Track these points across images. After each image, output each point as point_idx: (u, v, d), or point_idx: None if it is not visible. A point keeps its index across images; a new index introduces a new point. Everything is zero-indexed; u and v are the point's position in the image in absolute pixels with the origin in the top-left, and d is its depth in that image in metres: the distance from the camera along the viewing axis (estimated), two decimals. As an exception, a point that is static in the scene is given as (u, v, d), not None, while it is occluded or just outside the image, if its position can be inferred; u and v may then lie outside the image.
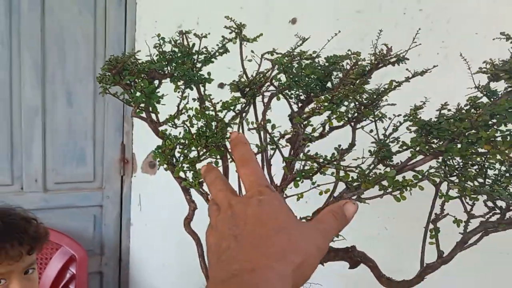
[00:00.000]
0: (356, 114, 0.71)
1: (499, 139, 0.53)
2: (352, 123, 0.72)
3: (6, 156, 1.76)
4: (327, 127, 0.71)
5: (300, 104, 0.74)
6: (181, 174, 0.74)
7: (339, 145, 0.63)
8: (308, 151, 0.67)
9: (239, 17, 1.69)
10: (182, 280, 1.93)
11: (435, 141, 0.60)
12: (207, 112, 0.68)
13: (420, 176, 0.58)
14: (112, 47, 1.84)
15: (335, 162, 0.61)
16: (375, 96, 0.69)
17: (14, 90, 1.74)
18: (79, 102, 1.83)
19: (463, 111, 0.58)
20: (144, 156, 1.91)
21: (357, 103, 0.70)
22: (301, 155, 0.59)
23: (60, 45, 1.77)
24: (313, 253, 0.38)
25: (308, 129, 0.66)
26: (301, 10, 1.72)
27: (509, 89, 0.57)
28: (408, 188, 0.57)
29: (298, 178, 0.63)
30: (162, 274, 1.97)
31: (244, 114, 0.74)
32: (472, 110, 0.58)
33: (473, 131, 0.53)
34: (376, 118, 0.70)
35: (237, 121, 0.73)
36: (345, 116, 0.63)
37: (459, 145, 0.56)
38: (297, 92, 0.73)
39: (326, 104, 0.61)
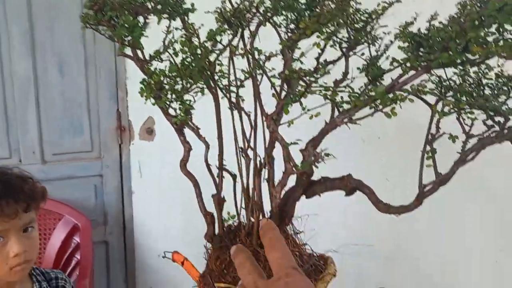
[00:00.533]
0: (347, 41, 0.68)
1: (490, 40, 0.51)
2: (344, 50, 0.69)
3: (2, 129, 1.75)
4: (321, 60, 0.69)
5: (289, 34, 0.71)
6: (171, 111, 0.73)
7: (325, 60, 0.61)
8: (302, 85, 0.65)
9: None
10: (187, 242, 1.93)
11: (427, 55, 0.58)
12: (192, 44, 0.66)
13: (410, 90, 0.56)
14: (101, 13, 1.80)
15: (324, 83, 0.58)
16: (366, 18, 0.67)
17: (5, 63, 1.71)
18: (71, 71, 1.81)
19: (454, 18, 0.56)
20: (141, 123, 1.90)
21: (348, 28, 0.67)
22: (286, 71, 0.57)
23: (47, 13, 1.74)
24: None
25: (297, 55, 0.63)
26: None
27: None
28: (399, 102, 0.55)
29: (287, 103, 0.61)
30: (167, 239, 1.98)
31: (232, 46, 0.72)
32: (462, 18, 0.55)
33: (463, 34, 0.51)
34: (370, 42, 0.68)
35: (227, 54, 0.71)
36: (333, 36, 0.60)
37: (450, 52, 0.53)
38: (286, 22, 0.70)
39: (312, 23, 0.58)
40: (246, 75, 0.65)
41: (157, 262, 2.04)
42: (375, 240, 1.71)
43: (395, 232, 1.69)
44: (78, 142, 1.87)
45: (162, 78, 0.67)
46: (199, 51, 0.64)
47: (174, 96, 0.67)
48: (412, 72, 0.58)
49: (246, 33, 0.70)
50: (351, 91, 0.59)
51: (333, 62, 0.71)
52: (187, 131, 0.87)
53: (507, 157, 1.58)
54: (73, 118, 1.84)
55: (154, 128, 1.89)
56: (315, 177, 0.75)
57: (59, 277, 1.09)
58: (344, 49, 0.70)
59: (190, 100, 0.69)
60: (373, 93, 0.57)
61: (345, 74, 0.70)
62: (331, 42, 0.66)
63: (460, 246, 1.68)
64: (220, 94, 0.74)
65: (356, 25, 0.67)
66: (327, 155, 0.61)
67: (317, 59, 0.62)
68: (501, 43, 0.52)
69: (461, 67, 0.65)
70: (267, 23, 0.69)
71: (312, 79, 0.58)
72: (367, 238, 1.69)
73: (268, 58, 0.59)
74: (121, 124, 1.90)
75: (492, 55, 0.49)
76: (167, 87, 0.67)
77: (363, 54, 0.66)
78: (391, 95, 0.57)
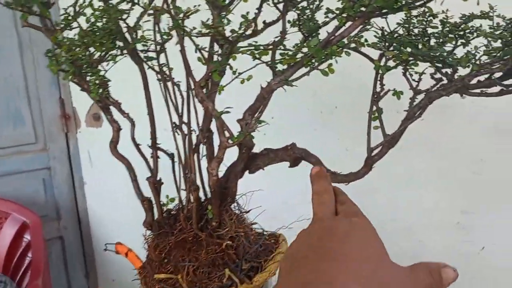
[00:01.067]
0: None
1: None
2: (281, 5, 0.62)
3: None
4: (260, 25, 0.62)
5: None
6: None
7: (247, 12, 0.53)
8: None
9: None
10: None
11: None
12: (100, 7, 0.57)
13: (345, 42, 0.49)
14: (32, -8, 1.66)
15: (254, 42, 0.51)
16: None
17: None
18: (4, 56, 1.66)
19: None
20: (86, 109, 1.78)
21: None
22: (201, 27, 0.49)
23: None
24: None
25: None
26: None
27: None
28: (334, 57, 0.48)
29: (215, 68, 0.54)
30: (126, 229, 1.88)
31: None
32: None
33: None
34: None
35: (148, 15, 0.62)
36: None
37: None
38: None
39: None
40: (165, 37, 0.56)
41: (119, 256, 1.96)
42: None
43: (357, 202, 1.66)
44: (20, 133, 1.74)
45: (73, 48, 0.58)
46: (110, 13, 0.55)
47: (86, 68, 0.58)
48: (349, 23, 0.52)
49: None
50: (283, 49, 0.52)
51: (271, 23, 0.63)
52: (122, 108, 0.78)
53: (456, 113, 1.57)
54: (12, 107, 1.70)
55: (101, 114, 1.78)
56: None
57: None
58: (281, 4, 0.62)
59: (101, 71, 0.61)
60: (306, 50, 0.50)
61: (283, 32, 0.63)
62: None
63: (419, 210, 1.67)
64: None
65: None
66: (260, 122, 0.54)
67: (244, 16, 0.54)
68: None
69: (404, 16, 0.59)
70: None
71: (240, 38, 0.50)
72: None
73: (186, 14, 0.51)
74: (65, 112, 1.77)
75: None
76: (75, 57, 0.58)
77: (300, 8, 0.59)
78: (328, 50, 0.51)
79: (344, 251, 0.37)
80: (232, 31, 0.53)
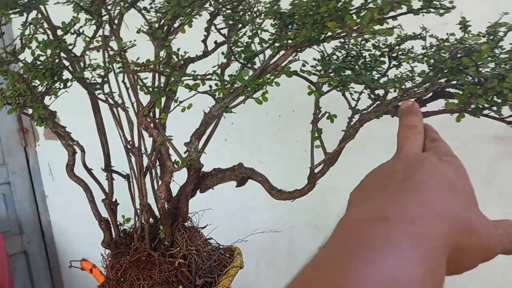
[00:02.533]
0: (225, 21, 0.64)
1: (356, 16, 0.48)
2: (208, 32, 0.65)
3: None
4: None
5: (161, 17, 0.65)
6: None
7: (178, 49, 0.56)
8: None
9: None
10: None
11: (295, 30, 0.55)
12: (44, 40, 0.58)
13: (276, 72, 0.52)
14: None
15: (192, 71, 0.54)
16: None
17: None
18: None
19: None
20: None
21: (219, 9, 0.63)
22: (131, 65, 0.51)
23: None
24: (482, 243, 0.32)
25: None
26: None
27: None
28: (265, 86, 0.52)
29: (155, 98, 0.56)
30: (91, 241, 1.87)
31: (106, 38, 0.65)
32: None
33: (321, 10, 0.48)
34: (243, 23, 0.64)
35: (95, 45, 0.64)
36: (196, 16, 0.55)
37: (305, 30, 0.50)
38: (153, 4, 0.64)
39: (171, 7, 0.53)
40: (103, 69, 0.58)
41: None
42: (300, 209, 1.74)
43: (320, 199, 1.72)
44: (-25, 149, 1.70)
45: (15, 83, 0.59)
46: (51, 48, 0.56)
47: (30, 102, 0.59)
48: (282, 52, 0.55)
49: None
50: (217, 79, 0.54)
51: (196, 58, 0.66)
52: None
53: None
54: (-34, 124, 1.67)
55: (60, 126, 1.76)
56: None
57: None
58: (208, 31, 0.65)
59: (45, 104, 0.62)
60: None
61: (205, 53, 0.66)
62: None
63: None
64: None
65: (227, 6, 0.63)
66: (199, 151, 0.57)
67: (175, 53, 0.56)
68: (355, 16, 0.50)
69: (341, 41, 0.63)
70: (132, 9, 0.63)
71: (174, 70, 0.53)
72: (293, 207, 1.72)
73: (123, 49, 0.53)
74: (23, 126, 1.75)
75: (351, 30, 0.47)
76: (19, 92, 0.59)
77: (236, 39, 0.62)
78: (262, 79, 0.54)
79: (431, 187, 0.33)
80: (164, 66, 0.55)
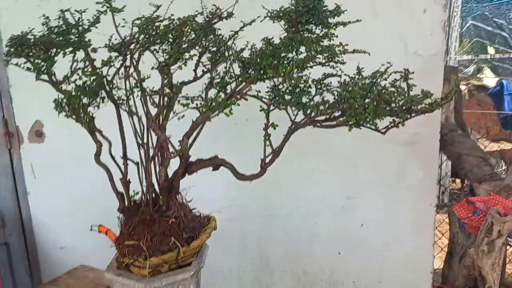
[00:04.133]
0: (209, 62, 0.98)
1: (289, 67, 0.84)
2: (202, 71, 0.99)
3: None
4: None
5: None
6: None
7: (172, 79, 0.90)
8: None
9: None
10: (89, 235, 2.11)
11: (251, 72, 0.90)
12: (89, 71, 0.90)
13: (239, 97, 0.88)
14: (-26, 24, 1.85)
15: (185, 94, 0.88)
16: (220, 44, 0.97)
17: None
18: (-51, 83, 1.84)
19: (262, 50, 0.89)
20: (29, 127, 2.00)
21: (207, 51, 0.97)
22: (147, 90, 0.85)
23: None
24: None
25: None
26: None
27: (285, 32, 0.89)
28: (231, 106, 0.86)
29: (164, 111, 0.90)
30: (70, 233, 2.13)
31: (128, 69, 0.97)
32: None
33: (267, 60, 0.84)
34: (219, 60, 0.98)
35: (122, 75, 0.96)
36: (190, 59, 0.89)
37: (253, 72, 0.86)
38: (163, 48, 0.97)
39: (173, 53, 0.87)
40: (129, 92, 0.91)
41: (60, 255, 2.19)
42: (251, 203, 2.09)
43: (267, 195, 2.08)
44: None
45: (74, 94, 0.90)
46: (94, 77, 0.88)
47: (79, 108, 0.90)
48: (243, 84, 0.90)
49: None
50: (202, 100, 0.88)
51: (187, 83, 1.00)
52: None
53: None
54: (-43, 128, 1.88)
55: (43, 131, 2.01)
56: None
57: None
58: (206, 67, 0.99)
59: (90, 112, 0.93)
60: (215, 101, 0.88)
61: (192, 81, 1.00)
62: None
63: (314, 198, 2.13)
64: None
65: (212, 49, 0.97)
66: (189, 144, 0.92)
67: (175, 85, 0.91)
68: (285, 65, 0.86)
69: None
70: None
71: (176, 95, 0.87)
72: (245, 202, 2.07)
73: (143, 79, 0.86)
74: (8, 130, 1.98)
75: (281, 76, 0.82)
76: (73, 105, 0.90)
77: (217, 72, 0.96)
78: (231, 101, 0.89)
79: None
80: (170, 87, 0.89)
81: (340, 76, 1.02)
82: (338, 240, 2.17)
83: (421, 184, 2.10)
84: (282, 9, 0.93)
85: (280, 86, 1.00)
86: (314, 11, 0.91)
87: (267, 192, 2.11)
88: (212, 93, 0.96)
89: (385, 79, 1.00)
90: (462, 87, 4.97)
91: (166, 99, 0.93)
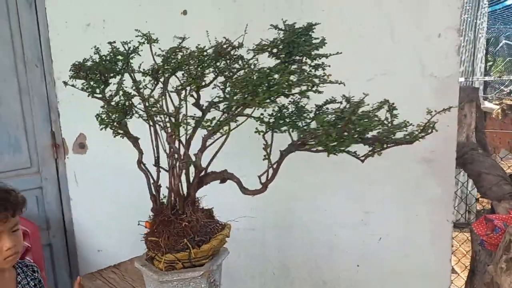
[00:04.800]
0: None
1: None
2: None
3: None
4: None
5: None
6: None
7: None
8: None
9: (138, 13, 2.05)
10: (124, 239, 2.29)
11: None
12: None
13: (238, 120, 1.02)
14: (29, 48, 2.10)
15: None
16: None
17: None
18: (7, 99, 2.09)
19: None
20: (73, 140, 2.22)
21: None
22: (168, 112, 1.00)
23: (-19, 49, 2.01)
24: None
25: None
26: (190, 2, 2.08)
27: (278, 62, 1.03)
28: (225, 128, 1.00)
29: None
30: (107, 237, 2.33)
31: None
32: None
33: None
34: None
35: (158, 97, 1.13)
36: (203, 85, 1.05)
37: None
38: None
39: (190, 79, 1.02)
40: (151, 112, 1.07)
41: (97, 257, 2.38)
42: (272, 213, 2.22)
43: (288, 206, 2.21)
44: (18, 159, 2.16)
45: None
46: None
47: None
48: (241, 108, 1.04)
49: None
50: (216, 119, 1.03)
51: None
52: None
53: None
54: (12, 139, 2.13)
55: (86, 143, 2.23)
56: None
57: (34, 266, 1.44)
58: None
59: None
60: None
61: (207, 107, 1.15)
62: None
63: (334, 211, 2.22)
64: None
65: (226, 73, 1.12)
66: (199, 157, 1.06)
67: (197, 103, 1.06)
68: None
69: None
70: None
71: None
72: (266, 211, 2.20)
73: (177, 112, 1.03)
74: (55, 142, 2.21)
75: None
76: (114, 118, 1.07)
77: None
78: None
79: None
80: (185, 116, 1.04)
81: (341, 102, 1.13)
82: (357, 253, 2.25)
83: (438, 200, 2.15)
84: (262, 43, 1.07)
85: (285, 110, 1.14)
86: (294, 45, 1.03)
87: (287, 203, 2.23)
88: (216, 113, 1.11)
89: (372, 108, 1.09)
90: (495, 107, 4.90)
91: (181, 116, 1.08)
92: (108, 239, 2.36)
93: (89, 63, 1.13)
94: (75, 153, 2.24)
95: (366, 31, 2.05)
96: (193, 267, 1.15)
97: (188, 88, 1.10)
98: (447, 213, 2.15)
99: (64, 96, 2.16)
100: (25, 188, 2.19)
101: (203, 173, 1.17)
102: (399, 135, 0.98)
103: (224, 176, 1.14)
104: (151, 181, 1.18)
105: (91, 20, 2.10)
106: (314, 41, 1.06)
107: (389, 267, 2.25)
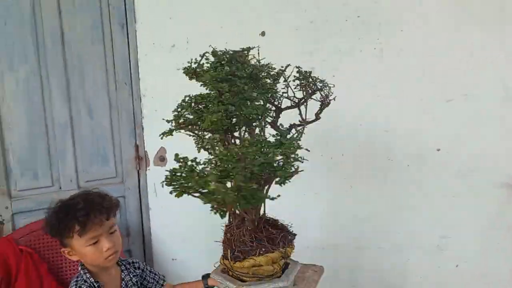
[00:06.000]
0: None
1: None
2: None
3: (46, 164, 2.21)
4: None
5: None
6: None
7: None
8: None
9: (220, 35, 2.16)
10: (198, 249, 2.38)
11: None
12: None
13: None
14: (120, 67, 2.28)
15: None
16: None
17: (47, 110, 2.18)
18: (98, 115, 2.27)
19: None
20: (154, 153, 2.37)
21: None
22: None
23: (79, 70, 2.21)
24: None
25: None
26: (268, 24, 2.17)
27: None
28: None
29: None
30: (181, 247, 2.43)
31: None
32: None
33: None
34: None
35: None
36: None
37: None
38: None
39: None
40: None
41: (172, 265, 2.49)
42: (344, 233, 2.20)
43: (360, 227, 2.18)
44: (105, 170, 2.33)
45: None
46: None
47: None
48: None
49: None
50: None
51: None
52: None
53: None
54: (101, 151, 2.30)
55: (165, 156, 2.36)
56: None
57: (134, 261, 1.55)
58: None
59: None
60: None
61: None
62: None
63: (407, 235, 2.16)
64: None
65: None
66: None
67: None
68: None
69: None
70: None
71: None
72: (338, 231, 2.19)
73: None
74: (139, 155, 2.37)
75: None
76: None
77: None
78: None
79: None
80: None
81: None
82: (431, 280, 2.17)
83: (524, 229, 2.03)
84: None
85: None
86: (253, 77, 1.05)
87: (360, 224, 2.20)
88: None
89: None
90: None
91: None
92: (182, 249, 2.46)
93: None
94: (155, 165, 2.38)
95: (445, 52, 2.02)
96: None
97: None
98: (533, 243, 2.02)
99: (148, 112, 2.31)
100: (110, 197, 2.37)
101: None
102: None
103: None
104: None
105: (175, 41, 2.24)
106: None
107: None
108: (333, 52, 2.06)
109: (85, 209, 1.32)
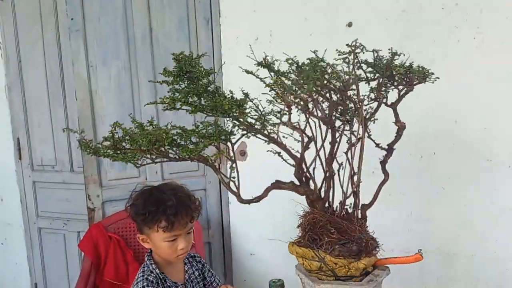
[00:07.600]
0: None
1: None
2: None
3: (134, 155, 2.30)
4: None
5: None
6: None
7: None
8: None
9: (304, 27, 2.09)
10: (276, 246, 2.35)
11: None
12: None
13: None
14: (204, 61, 2.29)
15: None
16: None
17: (136, 104, 2.27)
18: (182, 110, 2.32)
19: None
20: (235, 147, 2.36)
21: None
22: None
23: (166, 65, 2.26)
24: None
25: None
26: (355, 15, 2.06)
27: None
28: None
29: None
30: (260, 243, 2.42)
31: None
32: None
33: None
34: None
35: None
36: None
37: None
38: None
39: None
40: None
41: (250, 261, 2.49)
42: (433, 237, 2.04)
43: (453, 231, 2.02)
44: (188, 163, 2.37)
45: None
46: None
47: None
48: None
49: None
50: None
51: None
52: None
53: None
54: (184, 144, 2.35)
55: (246, 151, 2.36)
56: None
57: (196, 255, 1.57)
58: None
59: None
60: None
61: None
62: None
63: (507, 243, 1.95)
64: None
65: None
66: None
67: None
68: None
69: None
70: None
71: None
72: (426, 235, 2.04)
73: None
74: (220, 149, 2.38)
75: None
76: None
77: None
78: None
79: None
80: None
81: None
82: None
83: None
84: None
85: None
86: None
87: (452, 228, 2.03)
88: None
89: None
90: None
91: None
92: (260, 244, 2.45)
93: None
94: (236, 159, 2.37)
95: None
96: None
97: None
98: None
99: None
100: (193, 189, 2.39)
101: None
102: None
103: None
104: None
105: (259, 34, 2.22)
106: None
107: None
108: (427, 43, 1.91)
109: (175, 208, 1.33)
